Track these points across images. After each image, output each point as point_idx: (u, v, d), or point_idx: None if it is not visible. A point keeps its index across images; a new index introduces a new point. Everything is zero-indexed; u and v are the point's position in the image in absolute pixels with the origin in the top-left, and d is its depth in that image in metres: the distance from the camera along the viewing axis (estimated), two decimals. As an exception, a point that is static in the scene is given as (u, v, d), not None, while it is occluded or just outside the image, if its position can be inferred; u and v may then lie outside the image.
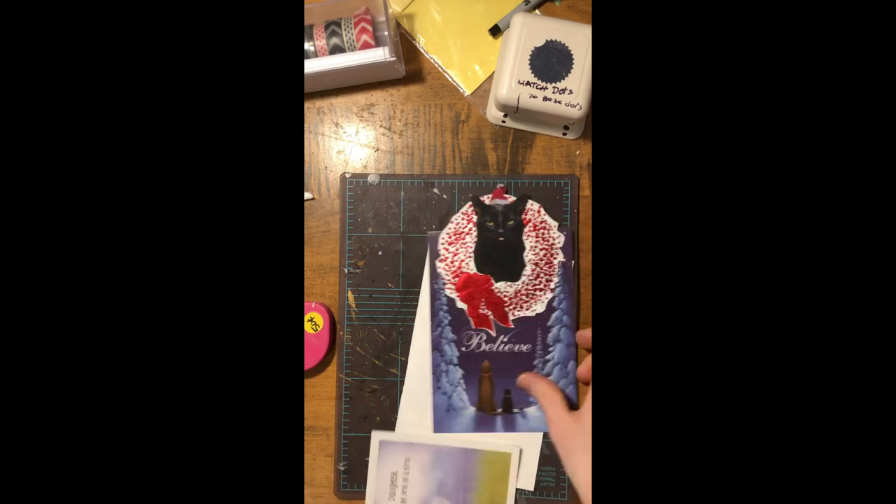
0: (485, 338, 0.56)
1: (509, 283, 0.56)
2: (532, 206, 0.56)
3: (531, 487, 0.56)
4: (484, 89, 0.60)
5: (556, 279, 0.56)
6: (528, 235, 0.56)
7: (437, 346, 0.57)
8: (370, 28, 0.56)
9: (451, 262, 0.56)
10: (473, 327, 0.57)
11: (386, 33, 0.57)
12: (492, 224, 0.56)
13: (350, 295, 0.60)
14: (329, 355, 0.60)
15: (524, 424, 0.56)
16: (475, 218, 0.56)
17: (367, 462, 0.58)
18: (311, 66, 0.54)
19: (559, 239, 0.56)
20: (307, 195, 0.60)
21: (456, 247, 0.56)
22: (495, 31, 0.60)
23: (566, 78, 0.53)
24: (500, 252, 0.56)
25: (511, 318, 0.56)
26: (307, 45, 0.57)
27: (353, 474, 0.59)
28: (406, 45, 0.61)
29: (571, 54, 0.53)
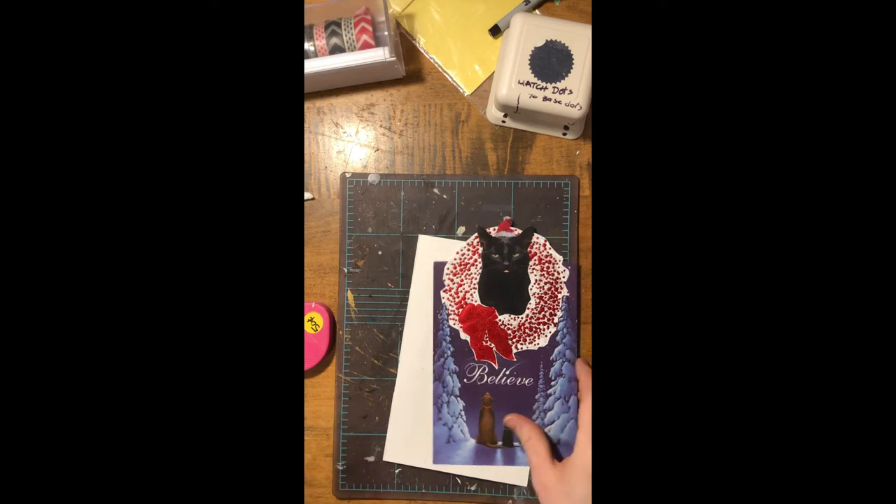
0: (487, 370, 0.56)
1: (513, 316, 0.56)
2: (538, 239, 0.56)
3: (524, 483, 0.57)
4: (484, 89, 0.60)
5: (559, 313, 0.56)
6: (534, 269, 0.56)
7: (439, 377, 0.57)
8: (370, 28, 0.56)
9: (456, 293, 0.56)
10: (476, 359, 0.56)
11: (386, 33, 0.57)
12: (497, 256, 0.56)
13: (350, 295, 0.60)
14: (329, 355, 0.60)
15: (524, 459, 0.56)
16: (481, 249, 0.56)
17: (366, 462, 0.58)
18: (311, 66, 0.54)
19: (564, 273, 0.56)
20: (307, 195, 0.60)
21: (460, 277, 0.56)
22: (495, 31, 0.60)
23: (566, 78, 0.53)
24: (504, 284, 0.56)
25: (514, 350, 0.56)
26: (307, 45, 0.57)
27: (352, 474, 0.59)
28: (406, 45, 0.61)
29: (571, 54, 0.53)
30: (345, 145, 0.61)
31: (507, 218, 0.56)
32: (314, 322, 0.58)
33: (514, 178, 0.59)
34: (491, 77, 0.60)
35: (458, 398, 0.57)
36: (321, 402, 0.60)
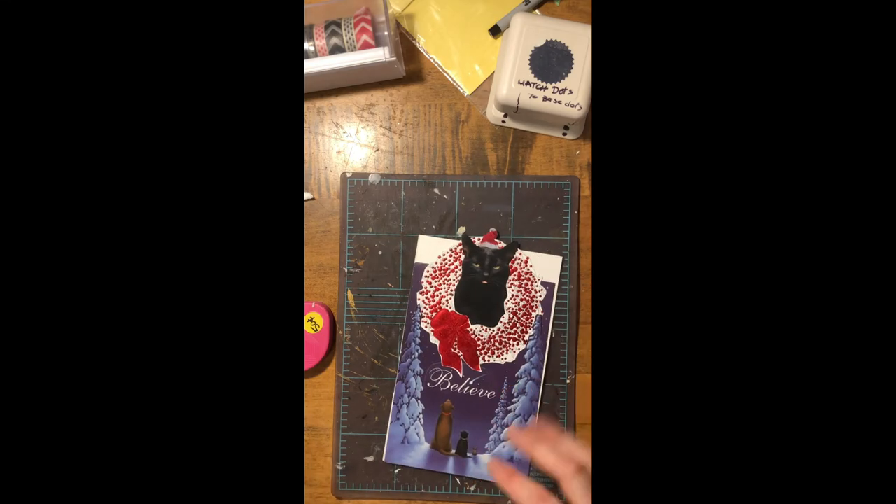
0: (451, 377, 0.56)
1: (485, 328, 0.56)
2: (521, 255, 0.56)
3: None
4: (484, 89, 0.60)
5: (531, 332, 0.56)
6: (512, 284, 0.56)
7: (402, 377, 0.57)
8: (370, 28, 0.56)
9: (432, 297, 0.56)
10: (442, 365, 0.56)
11: (386, 33, 0.57)
12: (478, 266, 0.56)
13: (350, 295, 0.60)
14: (329, 355, 0.60)
15: (475, 469, 0.56)
16: (463, 257, 0.56)
17: (366, 462, 0.58)
18: (311, 66, 0.54)
19: (541, 293, 0.55)
20: (307, 195, 0.60)
21: (439, 281, 0.56)
22: (495, 31, 0.60)
23: (566, 78, 0.53)
24: (481, 295, 0.56)
25: (481, 362, 0.56)
26: (307, 45, 0.57)
27: (351, 474, 0.59)
28: (406, 45, 0.61)
29: (571, 54, 0.53)
30: (345, 145, 0.61)
31: (493, 230, 0.56)
32: (314, 322, 0.58)
33: (515, 178, 0.59)
34: (491, 77, 0.60)
35: (419, 401, 0.57)
36: (321, 402, 0.60)
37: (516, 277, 0.55)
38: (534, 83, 0.53)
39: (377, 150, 0.60)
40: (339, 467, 0.59)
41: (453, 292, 0.56)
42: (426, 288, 0.56)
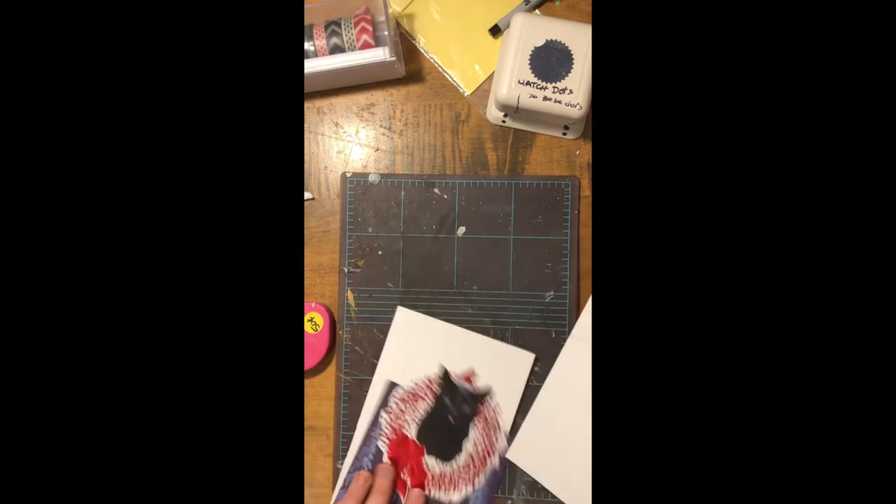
0: (394, 500, 0.56)
1: (439, 461, 0.56)
2: (492, 402, 0.55)
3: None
4: (484, 89, 0.60)
5: (482, 479, 0.55)
6: (476, 426, 0.55)
7: (346, 485, 0.57)
8: (370, 28, 0.56)
9: (396, 418, 0.56)
10: None
11: (386, 33, 0.57)
12: (448, 402, 0.56)
13: (350, 294, 0.60)
14: (329, 355, 0.60)
15: None
16: (438, 390, 0.56)
17: (366, 463, 0.58)
18: (311, 66, 0.54)
19: (502, 444, 0.55)
20: (307, 195, 0.60)
21: (407, 405, 0.56)
22: (495, 31, 0.60)
23: (566, 78, 0.53)
24: (444, 429, 0.56)
25: (427, 494, 0.55)
26: (307, 45, 0.57)
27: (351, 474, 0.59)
28: (406, 45, 0.61)
29: (571, 54, 0.53)
30: (345, 145, 0.61)
31: (471, 370, 0.56)
32: (314, 322, 0.58)
33: (514, 178, 0.59)
34: (491, 77, 0.60)
35: None
36: (321, 402, 0.60)
37: (483, 422, 0.55)
38: (534, 83, 0.53)
39: (377, 150, 0.60)
40: (340, 467, 0.59)
41: (418, 420, 0.56)
42: (392, 408, 0.56)
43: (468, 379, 0.55)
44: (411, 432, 0.55)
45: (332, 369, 0.60)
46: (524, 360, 0.56)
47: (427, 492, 0.55)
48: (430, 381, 0.56)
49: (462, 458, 0.55)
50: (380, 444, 0.56)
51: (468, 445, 0.55)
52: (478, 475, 0.55)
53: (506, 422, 0.55)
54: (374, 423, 0.56)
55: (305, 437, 0.60)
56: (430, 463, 0.55)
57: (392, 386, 0.56)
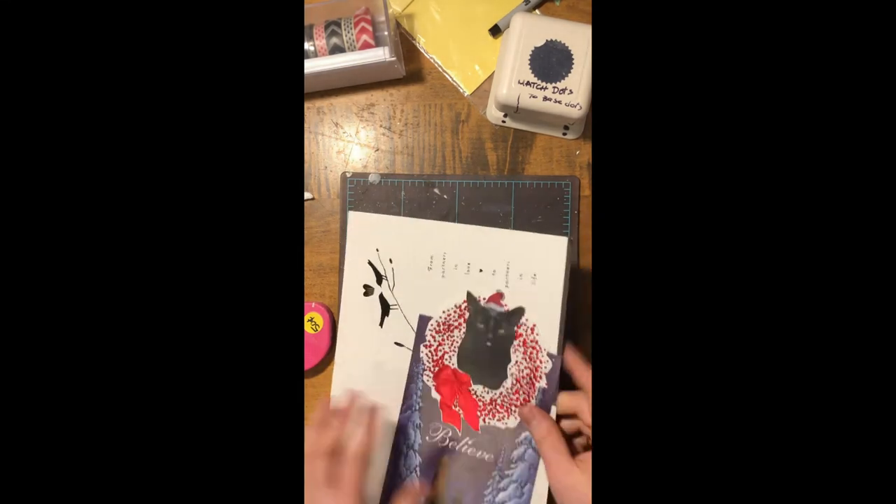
0: (450, 434, 0.54)
1: (487, 389, 0.54)
2: (526, 321, 0.53)
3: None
4: (484, 89, 0.60)
5: (533, 401, 0.53)
6: (517, 349, 0.53)
7: (402, 429, 0.55)
8: (370, 28, 0.56)
9: (435, 351, 0.55)
10: (442, 420, 0.55)
11: (386, 33, 0.57)
12: (482, 327, 0.54)
13: (350, 295, 0.60)
14: (329, 355, 0.60)
15: None
16: (467, 315, 0.54)
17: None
18: (311, 66, 0.54)
19: (546, 364, 0.52)
20: (307, 195, 0.60)
21: (443, 336, 0.54)
22: (495, 31, 0.60)
23: (566, 78, 0.53)
24: (485, 356, 0.54)
25: (481, 423, 0.54)
26: (307, 45, 0.57)
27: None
28: (406, 45, 0.61)
29: (571, 54, 0.53)
30: (345, 145, 0.61)
31: (499, 291, 0.53)
32: (314, 322, 0.58)
33: (515, 178, 0.59)
34: (491, 77, 0.60)
35: (417, 453, 0.55)
36: (321, 402, 0.60)
37: (521, 344, 0.53)
38: (534, 83, 0.53)
39: (377, 150, 0.60)
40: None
41: (457, 350, 0.54)
42: (430, 342, 0.55)
43: (496, 299, 0.54)
44: (453, 362, 0.54)
45: (332, 369, 0.60)
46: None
47: (482, 420, 0.54)
48: (459, 308, 0.54)
49: (509, 383, 0.53)
50: (424, 379, 0.55)
51: (512, 370, 0.53)
52: (528, 398, 0.53)
53: (548, 334, 0.52)
54: (416, 359, 0.55)
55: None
56: (479, 391, 0.54)
57: (425, 319, 0.55)
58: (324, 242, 0.60)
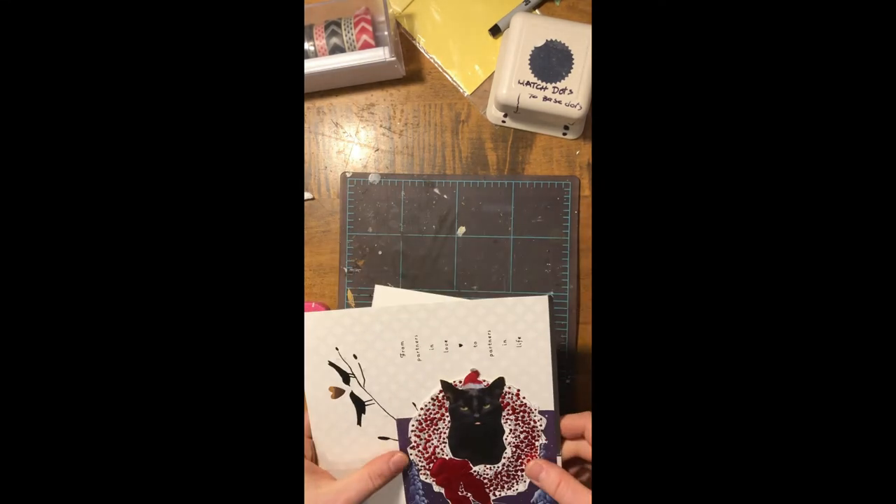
0: None
1: (489, 466, 0.52)
2: (510, 388, 0.51)
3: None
4: (484, 89, 0.60)
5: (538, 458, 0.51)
6: (507, 419, 0.51)
7: None
8: (370, 28, 0.56)
9: (424, 449, 0.52)
10: None
11: (386, 33, 0.57)
12: (466, 409, 0.52)
13: (350, 294, 0.60)
14: (329, 355, 0.60)
15: None
16: (447, 403, 0.52)
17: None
18: (311, 66, 0.54)
19: (541, 422, 0.51)
20: (307, 195, 0.60)
21: (428, 433, 0.52)
22: (495, 31, 0.60)
23: (566, 78, 0.53)
24: (477, 436, 0.52)
25: (492, 497, 0.52)
26: (307, 45, 0.57)
27: (352, 474, 0.58)
28: (406, 45, 0.61)
29: (571, 54, 0.53)
30: (345, 145, 0.61)
31: (474, 369, 0.51)
32: (314, 322, 0.58)
33: (514, 178, 0.59)
34: (491, 77, 0.60)
35: None
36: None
37: (510, 412, 0.51)
38: (534, 83, 0.53)
39: (377, 150, 0.60)
40: None
41: (446, 440, 0.52)
42: (416, 442, 0.52)
43: (473, 378, 0.53)
44: (446, 453, 0.52)
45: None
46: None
47: (492, 495, 0.53)
48: (436, 399, 0.52)
49: (509, 452, 0.52)
50: (422, 478, 0.53)
51: (509, 439, 0.52)
52: (532, 458, 0.52)
53: (540, 392, 0.51)
54: (408, 464, 0.53)
55: (306, 438, 0.59)
56: (481, 470, 0.52)
57: (404, 423, 0.52)
58: (324, 242, 0.60)
